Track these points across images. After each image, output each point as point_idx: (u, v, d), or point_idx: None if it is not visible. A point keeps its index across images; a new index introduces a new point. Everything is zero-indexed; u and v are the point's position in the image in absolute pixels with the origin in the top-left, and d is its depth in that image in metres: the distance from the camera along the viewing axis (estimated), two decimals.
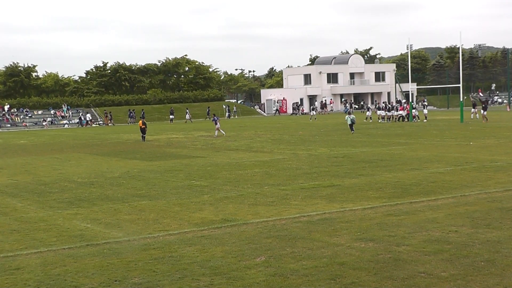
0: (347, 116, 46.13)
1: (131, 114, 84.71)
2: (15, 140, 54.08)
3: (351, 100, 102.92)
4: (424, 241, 11.59)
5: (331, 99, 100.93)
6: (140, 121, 47.42)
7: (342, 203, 16.08)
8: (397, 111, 61.19)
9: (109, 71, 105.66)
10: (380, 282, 9.30)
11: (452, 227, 12.70)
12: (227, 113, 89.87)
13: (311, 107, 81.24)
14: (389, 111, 61.82)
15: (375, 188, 18.36)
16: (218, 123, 46.05)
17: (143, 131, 45.26)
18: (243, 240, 12.34)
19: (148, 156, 32.12)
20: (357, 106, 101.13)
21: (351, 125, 44.25)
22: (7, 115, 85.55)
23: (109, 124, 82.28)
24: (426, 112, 61.03)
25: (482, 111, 54.45)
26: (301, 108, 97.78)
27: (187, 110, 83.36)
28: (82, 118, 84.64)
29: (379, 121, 60.10)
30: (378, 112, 63.40)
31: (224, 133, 46.27)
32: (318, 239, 12.18)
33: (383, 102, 79.15)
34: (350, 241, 11.85)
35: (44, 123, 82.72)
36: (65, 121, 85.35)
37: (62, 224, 14.81)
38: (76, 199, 18.49)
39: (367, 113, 68.05)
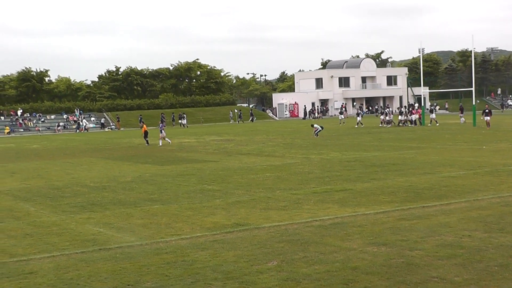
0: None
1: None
2: (28, 144, 54.34)
3: (361, 104, 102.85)
4: (437, 246, 11.55)
5: (343, 103, 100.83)
6: (144, 126, 47.52)
7: (354, 208, 16.04)
8: (401, 115, 60.81)
9: (121, 75, 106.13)
10: (393, 287, 9.27)
11: (465, 232, 12.64)
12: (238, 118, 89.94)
13: (340, 110, 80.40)
14: (386, 115, 61.42)
15: (387, 192, 18.31)
16: (163, 131, 45.39)
17: (146, 135, 45.58)
18: (255, 244, 12.34)
19: (160, 161, 32.18)
20: (367, 110, 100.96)
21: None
22: (20, 120, 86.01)
23: (121, 129, 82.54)
24: (434, 117, 60.78)
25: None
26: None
27: (184, 115, 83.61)
28: (80, 124, 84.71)
29: (380, 125, 59.73)
30: (381, 117, 63.04)
31: (169, 141, 45.08)
32: (331, 243, 12.15)
33: (386, 106, 78.95)
34: (362, 246, 11.82)
35: (58, 128, 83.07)
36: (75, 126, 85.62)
37: (75, 228, 14.86)
38: (88, 204, 18.55)
39: (340, 116, 68.41)
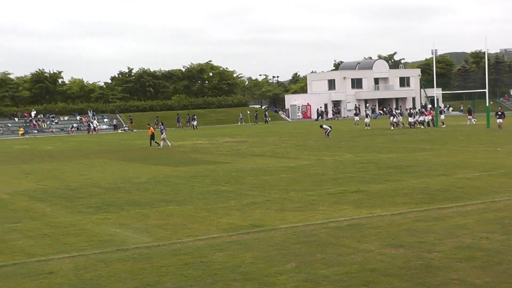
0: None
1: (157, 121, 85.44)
2: (42, 146, 54.62)
3: (373, 106, 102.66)
4: (455, 248, 11.52)
5: (356, 105, 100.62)
6: (152, 128, 47.44)
7: (370, 209, 16.03)
8: (411, 116, 60.52)
9: (133, 77, 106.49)
10: None
11: (482, 234, 12.60)
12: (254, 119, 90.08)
13: (355, 112, 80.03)
14: (394, 117, 61.10)
15: (402, 194, 18.27)
16: (164, 132, 44.99)
17: (153, 137, 45.67)
18: (272, 245, 12.35)
19: (173, 162, 32.26)
20: (381, 112, 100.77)
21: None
22: (34, 121, 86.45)
23: (135, 130, 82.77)
24: (442, 118, 60.48)
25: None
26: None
27: (194, 117, 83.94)
28: (91, 125, 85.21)
29: (391, 128, 59.36)
30: (390, 118, 62.68)
31: (169, 144, 44.58)
32: (348, 245, 12.15)
33: (395, 108, 78.59)
34: (380, 247, 11.81)
35: (71, 129, 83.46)
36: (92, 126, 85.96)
37: (92, 229, 14.93)
38: (104, 204, 18.63)
39: (356, 118, 68.14)
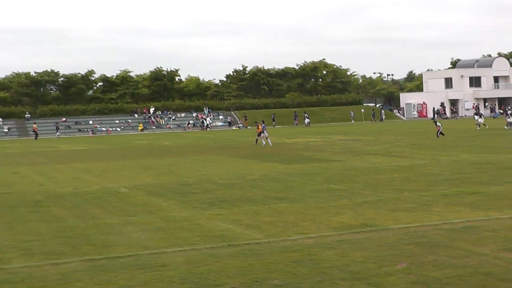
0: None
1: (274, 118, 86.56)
2: (159, 141, 56.32)
3: (493, 105, 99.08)
4: None
5: (474, 104, 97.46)
6: (260, 126, 47.50)
7: (487, 211, 15.48)
8: None
9: (248, 75, 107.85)
10: None
11: None
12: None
13: (475, 111, 77.24)
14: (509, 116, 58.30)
15: None
16: (265, 131, 44.51)
17: (260, 134, 45.72)
18: (383, 245, 12.18)
19: (286, 159, 32.42)
20: (501, 111, 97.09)
21: None
22: (152, 118, 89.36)
23: (249, 127, 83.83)
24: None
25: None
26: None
27: (306, 115, 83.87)
28: (204, 122, 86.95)
29: (505, 127, 56.69)
30: (506, 118, 59.84)
31: (270, 143, 43.95)
32: (462, 247, 11.80)
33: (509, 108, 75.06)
34: (496, 251, 11.39)
35: (188, 126, 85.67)
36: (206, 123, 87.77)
37: (205, 224, 15.23)
38: (217, 200, 18.96)
39: (478, 118, 64.70)
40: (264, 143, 44.24)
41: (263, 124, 45.34)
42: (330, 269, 10.60)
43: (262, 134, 44.64)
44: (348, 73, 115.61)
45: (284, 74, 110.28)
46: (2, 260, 12.16)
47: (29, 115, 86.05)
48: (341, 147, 39.77)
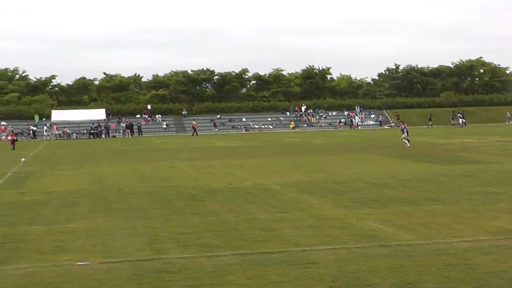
0: None
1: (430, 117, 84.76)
2: (311, 139, 56.65)
3: None
4: None
5: None
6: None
7: None
8: None
9: (400, 73, 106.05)
10: None
11: None
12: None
13: None
14: None
15: None
16: (405, 132, 42.48)
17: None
18: None
19: (440, 160, 31.52)
20: None
21: None
22: (304, 116, 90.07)
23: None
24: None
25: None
26: None
27: (460, 115, 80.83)
28: (353, 120, 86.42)
29: None
30: None
31: (408, 144, 41.66)
32: None
33: None
34: None
35: (339, 124, 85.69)
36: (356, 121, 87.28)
37: (355, 223, 15.14)
38: (368, 199, 18.77)
39: None
40: (408, 144, 42.73)
41: (402, 125, 44.13)
42: (487, 275, 10.19)
43: (403, 135, 43.31)
44: (507, 71, 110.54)
45: (438, 73, 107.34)
46: (162, 250, 12.73)
47: (185, 112, 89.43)
48: (499, 149, 38.11)
